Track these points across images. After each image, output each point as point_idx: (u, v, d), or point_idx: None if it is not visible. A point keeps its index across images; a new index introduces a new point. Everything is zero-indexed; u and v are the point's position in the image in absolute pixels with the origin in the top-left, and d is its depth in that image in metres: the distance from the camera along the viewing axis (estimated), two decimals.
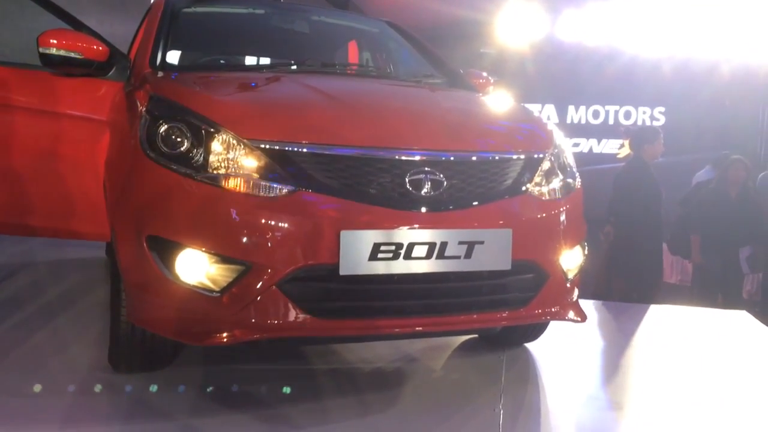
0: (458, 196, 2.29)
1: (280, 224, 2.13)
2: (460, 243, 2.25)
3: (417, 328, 2.27)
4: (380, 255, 2.17)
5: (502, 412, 2.41)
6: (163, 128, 2.30)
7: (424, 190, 2.25)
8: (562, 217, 2.49)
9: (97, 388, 2.43)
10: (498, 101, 3.14)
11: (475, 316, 2.34)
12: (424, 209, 2.23)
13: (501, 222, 2.32)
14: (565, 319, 2.51)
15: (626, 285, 5.59)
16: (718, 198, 6.16)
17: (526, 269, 2.39)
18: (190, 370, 2.67)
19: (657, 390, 2.77)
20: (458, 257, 2.25)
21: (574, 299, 2.58)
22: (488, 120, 2.79)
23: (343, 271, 2.14)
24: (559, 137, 2.74)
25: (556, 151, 2.61)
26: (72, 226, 3.19)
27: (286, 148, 2.21)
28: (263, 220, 2.13)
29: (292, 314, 2.14)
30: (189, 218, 2.20)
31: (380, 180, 2.23)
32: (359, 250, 2.15)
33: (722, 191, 6.16)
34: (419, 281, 2.24)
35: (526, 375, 2.84)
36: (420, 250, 2.20)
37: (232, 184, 2.18)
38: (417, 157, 2.28)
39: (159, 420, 2.27)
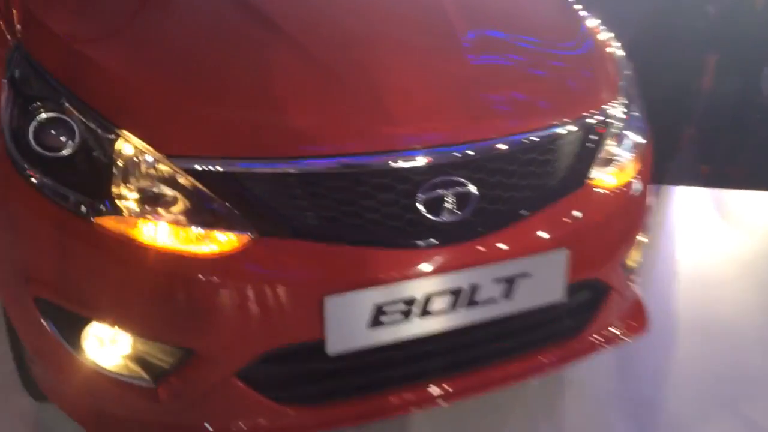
0: (492, 212, 1.54)
1: (232, 294, 1.40)
2: (497, 281, 1.55)
3: (438, 400, 1.64)
4: (384, 319, 1.47)
5: None
6: (39, 118, 1.45)
7: (446, 210, 1.49)
8: (633, 205, 1.77)
9: None
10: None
11: (512, 366, 1.70)
12: (444, 241, 1.49)
13: (553, 240, 1.60)
14: (628, 338, 1.89)
15: None
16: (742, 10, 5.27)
17: (581, 289, 1.73)
18: None
19: None
20: (494, 301, 1.57)
21: (636, 302, 1.95)
22: (527, 61, 1.82)
23: (331, 349, 1.46)
24: (626, 66, 1.91)
25: (625, 99, 1.80)
26: None
27: (235, 168, 1.40)
28: (206, 290, 1.39)
29: (263, 410, 1.49)
30: (87, 282, 1.44)
31: (379, 204, 1.46)
32: (353, 319, 1.45)
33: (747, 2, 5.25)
34: (438, 341, 1.58)
35: None
36: (441, 302, 1.51)
37: (148, 231, 1.39)
38: (433, 159, 1.48)
39: None
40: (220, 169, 1.39)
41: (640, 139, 1.81)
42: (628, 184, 1.73)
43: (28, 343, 1.62)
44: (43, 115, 1.45)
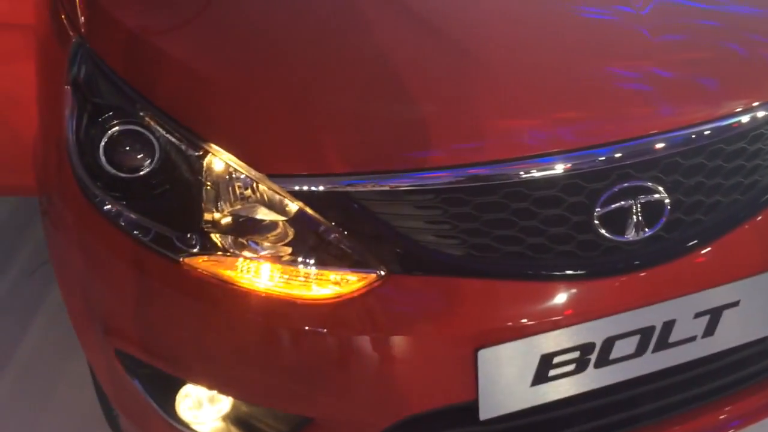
0: (691, 224, 1.16)
1: (356, 348, 1.08)
2: (699, 315, 1.17)
3: None
4: (552, 372, 1.12)
5: None
6: (111, 132, 1.16)
7: (632, 226, 1.12)
8: None
9: None
10: None
11: (717, 413, 1.31)
12: (631, 267, 1.13)
13: (765, 258, 1.20)
14: None
15: None
16: None
17: None
18: None
19: None
20: (692, 339, 1.19)
21: None
22: (723, 28, 1.37)
23: (485, 414, 1.13)
24: None
25: None
26: None
27: (354, 188, 1.07)
28: (322, 344, 1.08)
29: None
30: (176, 335, 1.15)
31: (542, 224, 1.11)
32: (513, 375, 1.11)
33: None
34: (618, 392, 1.22)
35: None
36: (625, 346, 1.15)
37: (248, 271, 1.09)
38: (615, 158, 1.11)
39: None
40: (337, 190, 1.06)
41: None
42: None
43: (112, 397, 1.36)
44: (117, 128, 1.16)
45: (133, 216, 1.14)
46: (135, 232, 1.13)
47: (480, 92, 1.14)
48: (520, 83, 1.15)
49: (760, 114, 1.19)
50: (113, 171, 1.15)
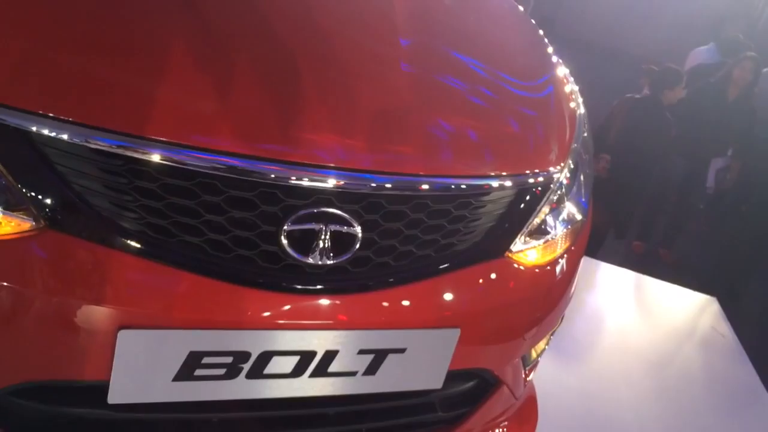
0: (377, 265, 1.18)
1: None
2: (363, 352, 1.20)
3: None
4: (200, 372, 1.10)
5: None
6: None
7: (318, 250, 1.12)
8: (555, 292, 1.44)
9: None
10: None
11: None
12: (307, 290, 1.13)
13: (447, 315, 1.26)
14: None
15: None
16: (713, 96, 5.08)
17: (465, 379, 1.40)
18: None
19: None
20: (353, 374, 1.21)
21: (529, 398, 1.63)
22: (476, 93, 1.41)
23: (114, 398, 1.07)
24: (584, 127, 1.59)
25: (574, 161, 1.47)
26: None
27: (39, 130, 0.99)
28: None
29: None
30: None
31: (228, 223, 1.08)
32: (156, 364, 1.07)
33: (720, 89, 5.07)
34: (270, 408, 1.21)
35: None
36: (282, 364, 1.15)
37: None
38: (316, 182, 1.10)
39: None
40: (16, 126, 0.98)
41: (578, 215, 1.48)
42: (553, 265, 1.40)
43: None
44: None
45: None
46: None
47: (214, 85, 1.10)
48: (263, 92, 1.13)
49: (476, 184, 1.25)
50: None
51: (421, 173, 1.20)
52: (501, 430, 1.53)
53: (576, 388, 2.29)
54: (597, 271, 3.27)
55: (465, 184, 1.24)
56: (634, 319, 2.95)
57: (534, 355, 1.54)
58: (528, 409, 1.64)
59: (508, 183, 1.28)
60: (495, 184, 1.27)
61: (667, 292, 3.28)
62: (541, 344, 1.56)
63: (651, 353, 2.68)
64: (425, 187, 1.19)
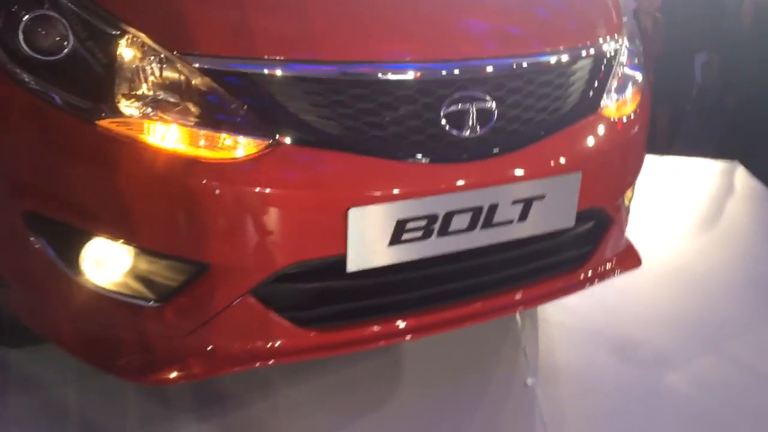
0: (511, 131, 1.51)
1: (250, 203, 1.31)
2: (515, 202, 1.53)
3: (447, 325, 1.59)
4: (405, 236, 1.42)
5: (537, 385, 1.88)
6: (26, 20, 1.30)
7: (468, 126, 1.45)
8: (637, 138, 1.77)
9: None
10: None
11: (519, 293, 1.67)
12: (466, 157, 1.46)
13: (568, 163, 1.59)
14: (624, 271, 1.90)
15: None
16: None
17: (588, 219, 1.72)
18: None
19: None
20: (510, 222, 1.54)
21: (627, 240, 1.96)
22: None
23: (351, 267, 1.40)
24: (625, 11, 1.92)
25: (629, 33, 1.81)
26: None
27: (253, 69, 1.31)
28: (221, 198, 1.30)
29: (279, 331, 1.41)
30: (91, 190, 1.33)
31: (402, 116, 1.40)
32: (376, 234, 1.39)
33: None
34: (453, 262, 1.54)
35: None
36: (460, 221, 1.47)
37: (158, 133, 1.29)
38: (457, 72, 1.44)
39: None
40: (237, 69, 1.30)
41: (640, 76, 1.82)
42: (633, 116, 1.74)
43: (9, 269, 1.47)
44: (29, 15, 1.30)
45: (52, 88, 1.30)
46: (55, 102, 1.29)
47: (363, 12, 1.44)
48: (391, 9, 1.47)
49: (564, 57, 1.59)
50: (32, 53, 1.30)
51: (532, 52, 1.53)
52: (614, 265, 1.85)
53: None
54: None
55: (564, 56, 1.58)
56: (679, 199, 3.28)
57: (627, 202, 1.87)
58: (630, 252, 1.96)
59: (592, 51, 1.63)
60: (583, 53, 1.61)
61: (691, 165, 3.65)
62: (629, 192, 1.88)
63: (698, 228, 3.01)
64: (538, 60, 1.53)
